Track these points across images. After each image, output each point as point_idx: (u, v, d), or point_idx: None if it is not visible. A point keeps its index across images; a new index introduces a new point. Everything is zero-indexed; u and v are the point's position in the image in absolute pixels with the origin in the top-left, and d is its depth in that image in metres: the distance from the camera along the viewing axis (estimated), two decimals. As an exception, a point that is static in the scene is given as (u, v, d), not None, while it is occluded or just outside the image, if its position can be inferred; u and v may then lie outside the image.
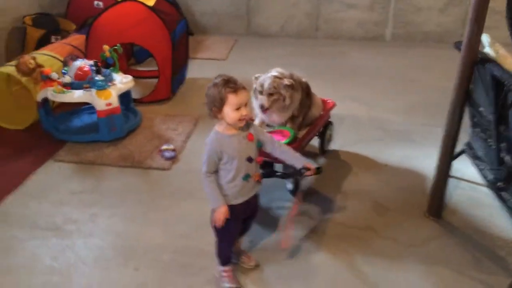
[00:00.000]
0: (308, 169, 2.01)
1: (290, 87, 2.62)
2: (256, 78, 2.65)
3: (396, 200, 2.74)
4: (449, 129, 2.42)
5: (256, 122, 2.77)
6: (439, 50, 5.49)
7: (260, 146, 1.99)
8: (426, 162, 3.03)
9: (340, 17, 6.08)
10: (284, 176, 2.63)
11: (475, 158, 2.71)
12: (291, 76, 2.70)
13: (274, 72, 2.65)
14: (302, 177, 2.12)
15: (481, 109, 2.55)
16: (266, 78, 2.59)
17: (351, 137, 3.50)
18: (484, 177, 2.59)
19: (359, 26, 6.09)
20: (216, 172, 1.92)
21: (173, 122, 3.66)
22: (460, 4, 5.75)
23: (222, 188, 1.92)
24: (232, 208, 1.93)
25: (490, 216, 2.59)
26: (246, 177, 1.92)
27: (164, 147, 3.20)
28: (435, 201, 2.58)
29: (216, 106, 1.83)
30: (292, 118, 2.78)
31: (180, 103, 4.08)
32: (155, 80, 4.12)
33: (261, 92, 2.58)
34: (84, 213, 2.58)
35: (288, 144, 2.58)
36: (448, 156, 2.47)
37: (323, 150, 3.19)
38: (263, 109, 2.58)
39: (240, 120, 1.84)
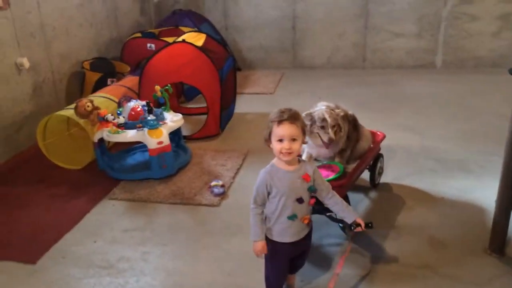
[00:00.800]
0: (358, 224, 1.98)
1: (344, 118, 2.64)
2: (309, 115, 2.61)
3: (454, 236, 2.61)
4: (508, 159, 2.29)
5: (304, 156, 2.75)
6: (494, 75, 5.29)
7: (313, 190, 1.95)
8: (486, 193, 2.88)
9: (388, 46, 6.03)
10: (334, 220, 2.55)
11: (539, 189, 2.54)
12: (338, 108, 2.70)
13: (323, 106, 2.65)
14: (351, 232, 2.07)
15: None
16: (323, 111, 2.58)
17: (404, 169, 3.40)
18: (551, 210, 2.42)
19: (408, 55, 6.01)
20: (264, 205, 1.92)
21: (222, 157, 3.72)
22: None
23: (269, 221, 1.93)
24: (277, 245, 1.92)
25: (559, 253, 2.40)
26: (292, 217, 1.89)
27: (213, 183, 3.24)
28: (497, 237, 2.42)
29: (267, 135, 1.88)
30: (340, 152, 2.74)
31: (228, 138, 4.15)
32: (204, 117, 4.22)
33: (323, 127, 2.57)
34: (136, 251, 2.63)
35: (337, 179, 2.54)
36: (509, 187, 2.33)
37: (374, 184, 3.11)
38: (332, 141, 2.58)
39: (281, 153, 1.83)
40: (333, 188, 2.46)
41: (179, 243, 2.69)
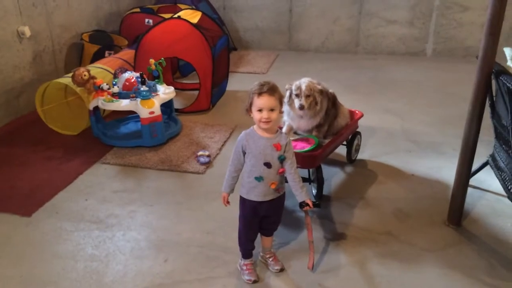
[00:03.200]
0: (307, 204, 2.16)
1: (321, 92, 2.84)
2: (289, 85, 2.85)
3: (418, 208, 2.82)
4: (466, 140, 2.49)
5: (284, 129, 2.96)
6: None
7: (282, 159, 2.09)
8: (453, 173, 3.06)
9: (381, 33, 6.17)
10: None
11: (498, 169, 2.75)
12: (319, 84, 2.90)
13: (306, 79, 2.86)
14: (301, 209, 2.24)
15: (503, 122, 2.60)
16: (301, 82, 2.81)
17: (381, 147, 3.60)
18: (506, 188, 2.62)
19: (399, 42, 6.16)
20: (240, 168, 2.15)
21: (210, 131, 3.91)
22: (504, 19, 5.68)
23: (243, 179, 2.15)
24: (245, 201, 2.16)
25: (510, 226, 2.61)
26: (259, 178, 2.08)
27: (200, 152, 3.44)
28: (455, 209, 2.64)
29: (248, 105, 2.05)
30: (317, 126, 2.94)
31: (219, 113, 4.34)
32: (196, 92, 4.40)
33: (297, 95, 2.78)
34: (124, 209, 2.85)
35: (312, 150, 2.75)
36: (466, 166, 2.53)
37: (350, 159, 3.31)
38: (302, 108, 2.77)
39: (260, 121, 2.00)
40: (307, 158, 2.69)
41: (164, 204, 2.90)
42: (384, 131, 3.91)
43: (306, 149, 2.77)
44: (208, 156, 3.42)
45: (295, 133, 3.04)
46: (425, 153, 3.53)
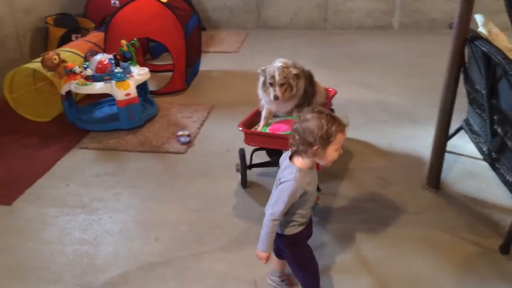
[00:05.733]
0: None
1: (296, 76, 2.72)
2: (263, 71, 2.70)
3: (398, 176, 2.91)
4: (443, 105, 2.57)
5: (263, 113, 2.85)
6: (447, 36, 5.48)
7: None
8: (429, 140, 3.16)
9: (349, 8, 6.22)
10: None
11: (472, 133, 2.86)
12: (294, 65, 2.79)
13: (279, 63, 2.70)
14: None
15: (476, 86, 2.70)
16: (274, 69, 2.64)
17: (358, 120, 3.67)
18: (480, 150, 2.75)
19: (367, 16, 6.23)
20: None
21: (188, 111, 3.88)
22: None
23: (291, 218, 1.81)
24: (300, 237, 1.86)
25: (486, 187, 2.74)
26: (315, 206, 1.87)
27: (180, 132, 3.42)
28: (433, 174, 2.74)
29: (320, 143, 1.67)
30: (297, 106, 2.83)
31: (194, 93, 4.30)
32: (170, 74, 4.34)
33: (272, 84, 2.63)
34: (108, 193, 2.81)
35: None
36: (443, 130, 2.62)
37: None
38: (276, 99, 2.63)
39: (333, 160, 1.74)
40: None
41: (149, 186, 2.88)
42: (359, 103, 3.98)
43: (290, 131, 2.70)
44: (188, 135, 3.41)
45: (274, 115, 2.96)
46: (400, 122, 3.62)
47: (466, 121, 2.96)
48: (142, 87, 3.79)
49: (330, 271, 2.16)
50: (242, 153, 2.79)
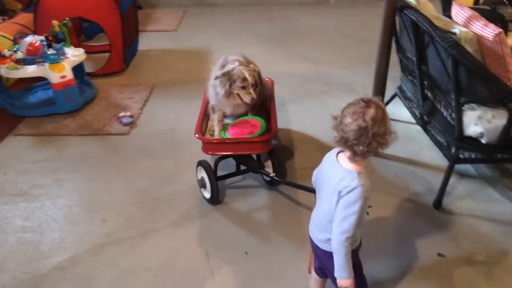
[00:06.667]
0: None
1: (260, 73, 2.56)
2: (227, 74, 2.41)
3: (339, 143, 3.02)
4: (378, 73, 2.69)
5: (216, 116, 2.60)
6: (381, 8, 5.76)
7: None
8: (366, 108, 3.32)
9: (286, -17, 6.24)
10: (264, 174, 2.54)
11: (405, 99, 3.02)
12: (248, 60, 2.58)
13: (236, 62, 2.48)
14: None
15: (408, 54, 2.84)
16: (242, 70, 2.40)
17: (299, 92, 3.74)
18: (414, 114, 2.90)
19: (304, -10, 6.28)
20: None
21: (129, 91, 3.80)
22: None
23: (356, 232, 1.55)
24: (356, 250, 1.66)
25: (420, 149, 2.91)
26: (368, 210, 1.61)
27: (122, 114, 3.35)
28: (372, 139, 2.86)
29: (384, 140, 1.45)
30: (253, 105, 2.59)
31: (134, 74, 4.20)
32: (107, 54, 4.21)
33: (244, 87, 2.40)
34: (49, 178, 2.73)
35: (264, 134, 2.44)
36: (379, 95, 2.74)
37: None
38: (254, 101, 2.43)
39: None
40: (265, 141, 2.40)
41: (92, 168, 2.82)
42: (299, 76, 4.05)
43: (257, 133, 2.43)
44: (131, 116, 3.35)
45: (225, 117, 2.67)
46: (339, 93, 3.73)
47: (400, 88, 3.11)
48: (78, 69, 3.64)
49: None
50: (206, 165, 2.44)
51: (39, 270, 2.08)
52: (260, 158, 2.61)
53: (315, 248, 1.68)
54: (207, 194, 2.48)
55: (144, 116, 3.44)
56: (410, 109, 2.92)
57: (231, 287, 2.00)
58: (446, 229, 2.27)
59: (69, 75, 3.33)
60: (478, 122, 2.22)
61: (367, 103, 1.44)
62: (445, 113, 2.42)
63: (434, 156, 2.81)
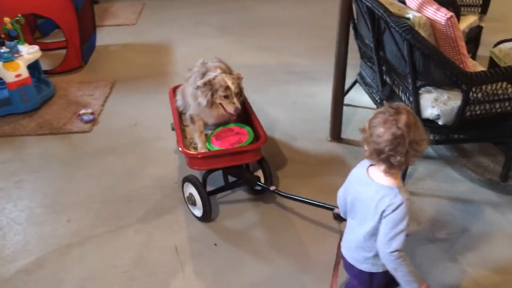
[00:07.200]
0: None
1: (241, 79, 2.43)
2: (208, 83, 2.27)
3: (303, 131, 3.06)
4: (337, 61, 2.73)
5: (198, 127, 2.43)
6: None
7: None
8: (329, 95, 3.35)
9: (244, -27, 6.21)
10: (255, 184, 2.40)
11: (365, 85, 3.08)
12: (227, 65, 2.47)
13: (218, 69, 2.35)
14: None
15: (366, 40, 2.89)
16: (225, 79, 2.28)
17: (262, 82, 3.76)
18: (374, 100, 2.96)
19: (262, -19, 6.27)
20: None
21: (88, 88, 3.71)
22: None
23: None
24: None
25: (382, 133, 2.98)
26: None
27: (82, 111, 3.28)
28: (335, 127, 2.93)
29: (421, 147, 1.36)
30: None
31: (93, 70, 4.11)
32: (64, 51, 4.09)
33: (227, 96, 2.28)
34: (8, 181, 2.64)
35: (253, 143, 2.30)
36: (339, 85, 2.80)
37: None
38: (238, 111, 2.32)
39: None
40: (256, 149, 2.28)
41: (54, 169, 2.75)
42: (262, 67, 4.06)
43: (246, 141, 2.30)
44: (92, 113, 3.28)
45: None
46: (302, 81, 3.77)
47: (360, 74, 3.17)
48: (34, 67, 3.53)
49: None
50: (195, 180, 2.24)
51: (2, 275, 2.02)
52: (249, 167, 2.45)
53: (349, 268, 1.60)
54: (198, 212, 2.30)
55: (106, 113, 3.37)
56: (370, 95, 2.99)
57: (201, 279, 2.01)
58: (409, 210, 2.34)
59: (25, 73, 3.23)
60: (434, 104, 2.29)
61: (396, 109, 1.35)
62: (403, 97, 2.49)
63: (395, 139, 2.88)
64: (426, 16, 2.32)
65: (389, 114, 1.34)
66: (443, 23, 2.25)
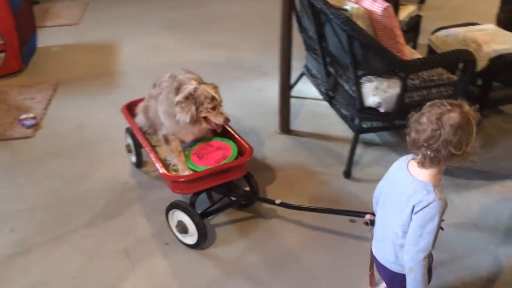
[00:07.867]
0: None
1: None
2: (190, 97, 2.09)
3: (254, 125, 3.08)
4: (282, 54, 2.76)
5: (176, 146, 2.25)
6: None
7: None
8: (277, 89, 3.40)
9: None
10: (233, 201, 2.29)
11: (312, 76, 3.13)
12: (198, 77, 2.34)
13: (193, 82, 2.18)
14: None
15: (309, 33, 2.93)
16: (207, 89, 2.14)
17: (212, 79, 3.70)
18: (320, 91, 3.02)
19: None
20: None
21: (30, 92, 3.57)
22: None
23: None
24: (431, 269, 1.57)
25: (329, 124, 3.05)
26: None
27: (24, 116, 3.16)
28: (283, 119, 2.96)
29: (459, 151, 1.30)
30: None
31: (34, 72, 3.96)
32: (2, 54, 3.92)
33: (214, 108, 2.14)
34: None
35: (239, 158, 2.19)
36: (286, 78, 2.83)
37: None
38: (228, 121, 2.21)
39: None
40: (245, 163, 2.17)
41: (-6, 177, 2.64)
42: (211, 63, 4.04)
43: (232, 156, 2.17)
44: (34, 118, 3.16)
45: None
46: (251, 77, 3.79)
47: (306, 66, 3.21)
48: (-31, 72, 3.38)
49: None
50: (184, 205, 2.05)
51: None
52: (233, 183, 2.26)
53: (382, 269, 1.57)
54: (190, 240, 2.09)
55: (49, 117, 3.26)
56: (317, 86, 3.04)
57: (153, 278, 1.98)
58: (357, 196, 2.41)
59: (-42, 79, 3.07)
60: (375, 93, 2.36)
61: (452, 106, 1.29)
62: (346, 87, 2.55)
63: (342, 129, 2.95)
64: (363, 7, 2.38)
65: (441, 108, 1.30)
66: (380, 14, 2.32)
